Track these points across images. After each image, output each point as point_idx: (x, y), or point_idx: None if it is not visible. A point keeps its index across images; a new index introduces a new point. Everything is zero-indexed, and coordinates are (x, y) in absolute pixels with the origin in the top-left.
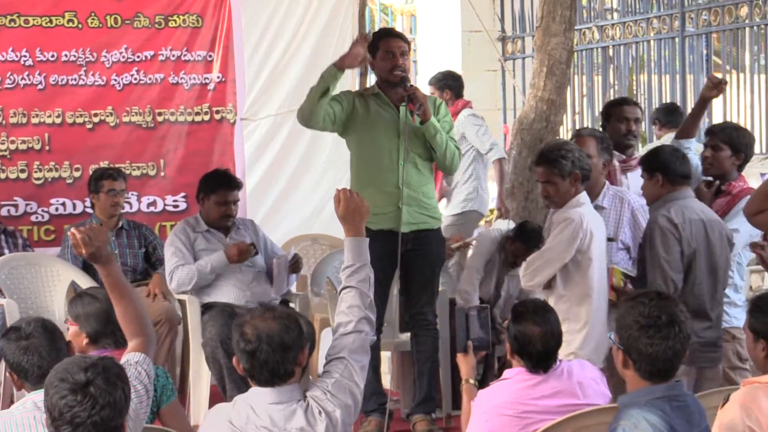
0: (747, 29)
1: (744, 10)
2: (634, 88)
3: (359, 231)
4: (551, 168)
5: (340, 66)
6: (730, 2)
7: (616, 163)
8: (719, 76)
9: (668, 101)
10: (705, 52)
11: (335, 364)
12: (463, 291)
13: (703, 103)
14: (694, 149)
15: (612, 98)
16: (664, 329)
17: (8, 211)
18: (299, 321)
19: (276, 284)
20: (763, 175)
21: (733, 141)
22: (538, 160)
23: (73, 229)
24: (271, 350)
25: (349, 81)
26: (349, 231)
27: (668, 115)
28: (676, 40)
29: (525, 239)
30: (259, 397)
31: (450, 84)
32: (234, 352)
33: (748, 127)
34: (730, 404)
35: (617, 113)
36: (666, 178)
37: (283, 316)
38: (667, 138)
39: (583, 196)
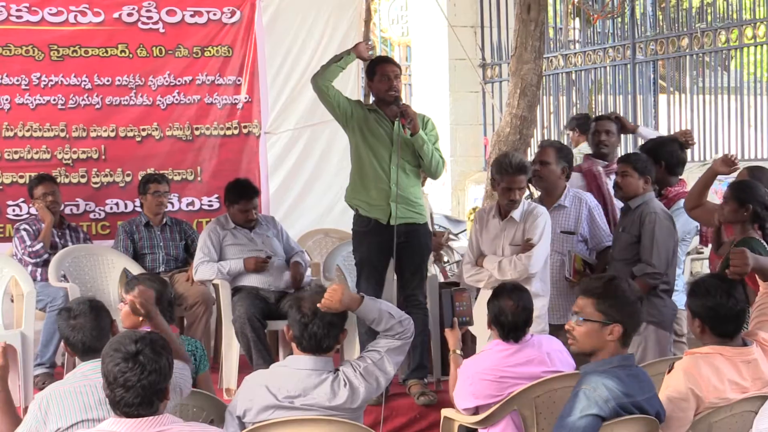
0: (687, 57)
1: (685, 41)
2: (593, 107)
3: (358, 301)
4: (526, 176)
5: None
6: (673, 35)
7: (599, 168)
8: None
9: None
10: (652, 76)
11: (372, 354)
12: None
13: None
14: None
15: (574, 115)
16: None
17: (71, 210)
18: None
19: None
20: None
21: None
22: (517, 170)
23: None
24: (321, 324)
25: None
26: (351, 307)
27: (584, 124)
28: (628, 66)
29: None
30: (298, 363)
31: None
32: (259, 331)
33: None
34: (675, 371)
35: (595, 127)
36: (650, 179)
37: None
38: (585, 144)
39: None
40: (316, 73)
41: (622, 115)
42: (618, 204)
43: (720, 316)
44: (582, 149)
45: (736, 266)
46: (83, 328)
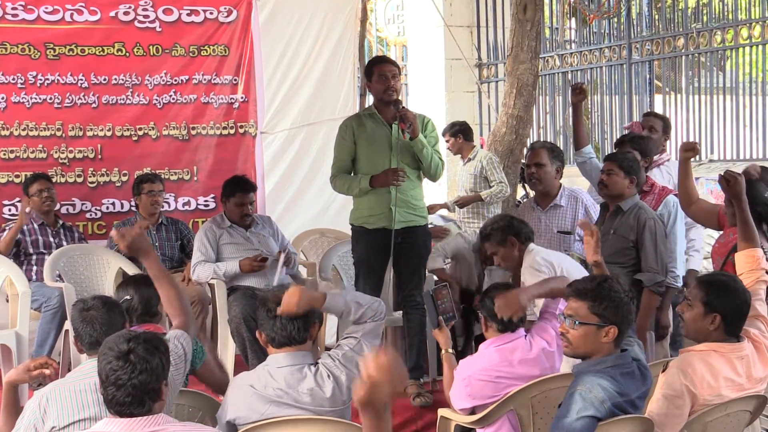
0: (683, 57)
1: (681, 41)
2: (589, 107)
3: (321, 300)
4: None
5: (372, 185)
6: (668, 35)
7: None
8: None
9: (617, 119)
10: (648, 76)
11: (349, 341)
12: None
13: (576, 108)
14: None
15: (569, 116)
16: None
17: (67, 209)
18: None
19: (271, 276)
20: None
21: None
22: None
23: (113, 231)
24: (288, 319)
25: (350, 104)
26: (314, 306)
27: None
28: (624, 66)
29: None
30: (276, 361)
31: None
32: (254, 327)
33: (682, 137)
34: (670, 368)
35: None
36: (636, 180)
37: (301, 289)
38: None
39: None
40: (338, 189)
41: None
42: (588, 202)
43: (742, 315)
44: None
45: None
46: (94, 321)
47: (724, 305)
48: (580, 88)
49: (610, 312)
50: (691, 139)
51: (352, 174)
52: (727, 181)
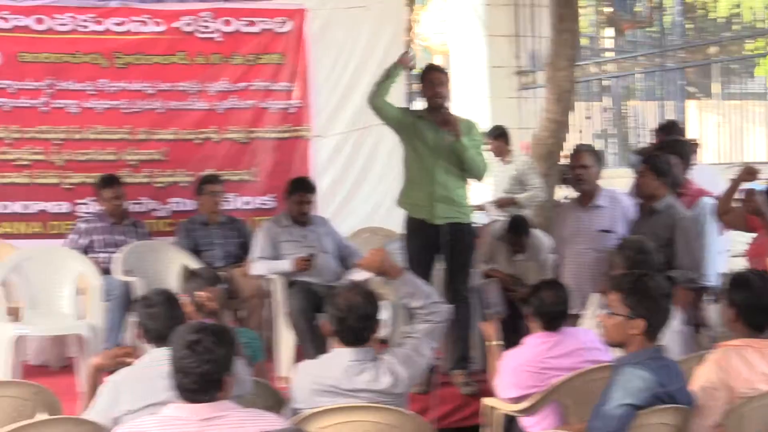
0: (715, 65)
1: (712, 49)
2: (625, 113)
3: (398, 271)
4: None
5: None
6: (701, 43)
7: None
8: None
9: (651, 124)
10: (681, 83)
11: (410, 340)
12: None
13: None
14: None
15: (608, 121)
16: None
17: (135, 208)
18: (377, 298)
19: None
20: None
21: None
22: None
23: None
24: (356, 318)
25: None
26: (391, 276)
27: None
28: (658, 73)
29: (511, 229)
30: (341, 355)
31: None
32: (311, 322)
33: (714, 142)
34: (706, 362)
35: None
36: (668, 182)
37: (366, 293)
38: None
39: None
40: (371, 93)
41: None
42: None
43: (757, 308)
44: None
45: None
46: (158, 317)
47: (741, 300)
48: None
49: (640, 306)
50: (722, 143)
51: (404, 181)
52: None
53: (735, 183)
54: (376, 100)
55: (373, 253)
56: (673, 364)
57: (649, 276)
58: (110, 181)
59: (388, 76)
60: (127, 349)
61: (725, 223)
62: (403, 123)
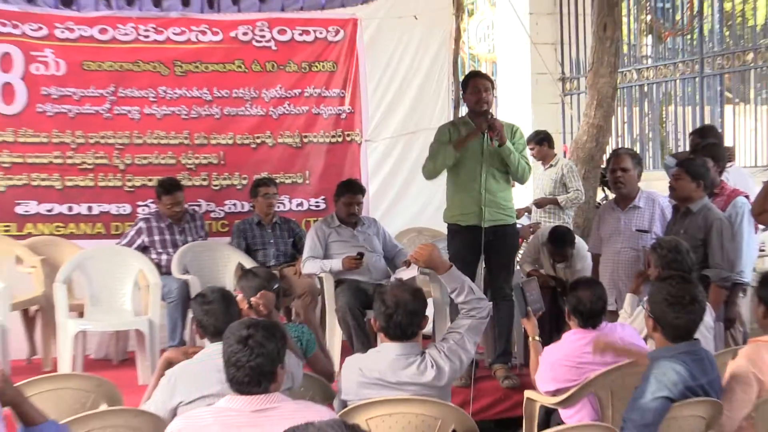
0: (752, 71)
1: (750, 56)
2: (664, 117)
3: (446, 267)
4: None
5: (456, 146)
6: (738, 50)
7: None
8: None
9: (690, 128)
10: (719, 88)
11: (453, 335)
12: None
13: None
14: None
15: (647, 125)
16: (688, 306)
17: (193, 209)
18: (423, 295)
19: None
20: None
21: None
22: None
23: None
24: (404, 314)
25: (444, 114)
26: (439, 271)
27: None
28: (697, 79)
29: (553, 241)
30: (389, 349)
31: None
32: (359, 318)
33: (751, 145)
34: (739, 357)
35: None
36: (705, 184)
37: (413, 290)
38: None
39: None
40: (427, 169)
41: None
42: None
43: None
44: None
45: None
46: (215, 314)
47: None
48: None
49: (655, 308)
50: (759, 146)
51: (447, 196)
52: None
53: None
54: (435, 175)
55: (423, 247)
56: (708, 356)
57: (672, 281)
58: (170, 188)
59: (447, 158)
60: (195, 348)
61: (761, 222)
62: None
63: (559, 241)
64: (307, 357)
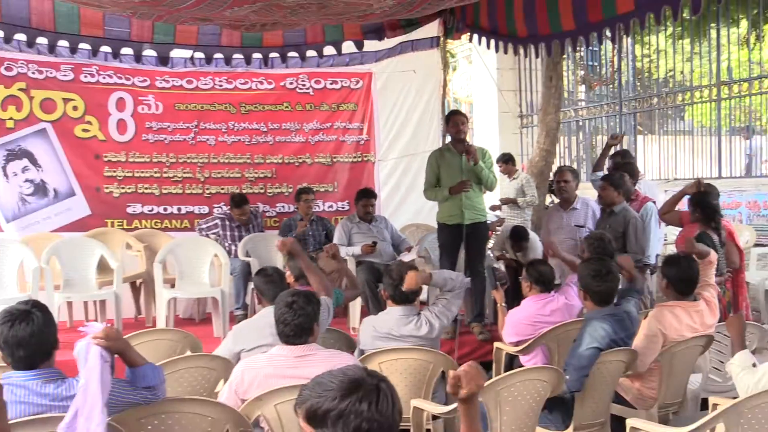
0: (656, 111)
1: (655, 100)
2: (594, 143)
3: (428, 279)
4: None
5: (450, 192)
6: (646, 95)
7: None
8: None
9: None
10: (633, 123)
11: (441, 301)
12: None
13: (607, 149)
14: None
15: (581, 150)
16: (605, 276)
17: (255, 209)
18: (418, 271)
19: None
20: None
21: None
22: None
23: (276, 241)
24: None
25: (435, 141)
26: (427, 283)
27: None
28: (617, 117)
29: (512, 237)
30: (394, 311)
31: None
32: (373, 289)
33: (656, 164)
34: (648, 317)
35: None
36: (622, 192)
37: (412, 268)
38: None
39: None
40: (428, 197)
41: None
42: (594, 207)
43: (682, 279)
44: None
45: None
46: (273, 283)
47: (672, 274)
48: (615, 136)
49: (583, 282)
50: (662, 165)
51: (437, 187)
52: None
53: (681, 193)
54: (431, 201)
55: (411, 276)
56: (629, 317)
57: (593, 261)
58: (239, 203)
59: (441, 197)
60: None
61: (664, 220)
62: (439, 173)
63: (516, 237)
64: (339, 302)
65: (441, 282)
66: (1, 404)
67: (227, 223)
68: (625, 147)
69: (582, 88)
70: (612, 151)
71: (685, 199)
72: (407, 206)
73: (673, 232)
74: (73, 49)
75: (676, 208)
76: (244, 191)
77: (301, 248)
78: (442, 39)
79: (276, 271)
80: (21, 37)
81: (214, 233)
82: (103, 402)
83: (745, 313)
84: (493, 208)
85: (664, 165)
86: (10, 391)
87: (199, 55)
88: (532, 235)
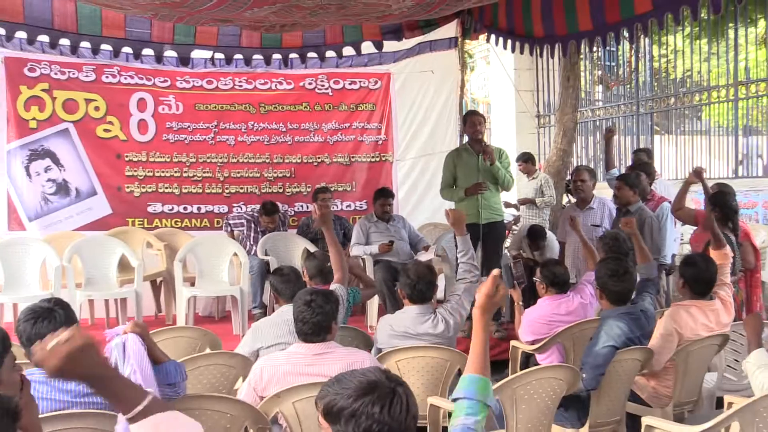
0: (673, 111)
1: (672, 100)
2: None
3: (463, 231)
4: None
5: (465, 193)
6: (664, 95)
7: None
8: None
9: (629, 153)
10: (650, 123)
11: (453, 297)
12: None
13: (607, 144)
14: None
15: (599, 150)
16: (622, 276)
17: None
18: (435, 271)
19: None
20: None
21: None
22: None
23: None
24: (424, 283)
25: (453, 141)
26: (460, 232)
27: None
28: (634, 117)
29: (529, 236)
30: (411, 310)
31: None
32: (391, 288)
33: (672, 164)
34: (665, 316)
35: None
36: (638, 191)
37: (429, 267)
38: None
39: None
40: (444, 197)
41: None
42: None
43: (699, 280)
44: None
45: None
46: (289, 282)
47: (689, 273)
48: (610, 129)
49: (600, 282)
50: (678, 164)
51: (454, 187)
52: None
53: (686, 185)
54: (449, 200)
55: (457, 211)
56: (646, 315)
57: (609, 260)
58: (270, 212)
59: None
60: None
61: (678, 218)
62: (456, 173)
63: (533, 236)
64: (356, 301)
65: (466, 248)
66: (31, 400)
67: (252, 225)
68: (642, 146)
69: (599, 88)
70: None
71: (703, 199)
72: (425, 206)
73: (690, 231)
74: (95, 50)
75: (694, 207)
76: (263, 191)
77: (332, 221)
78: (460, 39)
79: (292, 270)
80: (44, 38)
81: (239, 230)
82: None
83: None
84: (507, 205)
85: (680, 165)
86: (33, 388)
87: (220, 55)
88: (550, 235)
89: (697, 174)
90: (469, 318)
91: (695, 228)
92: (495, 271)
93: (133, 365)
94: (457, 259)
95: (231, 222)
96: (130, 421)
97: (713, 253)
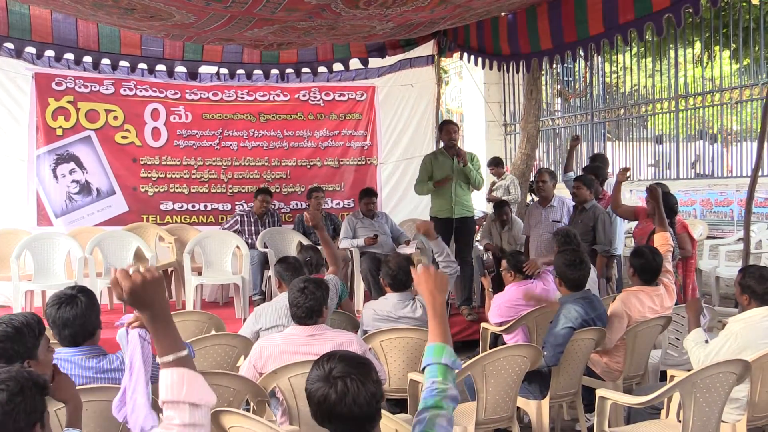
0: (623, 120)
1: (622, 111)
2: (568, 149)
3: (434, 236)
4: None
5: (435, 185)
6: (615, 107)
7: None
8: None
9: (585, 157)
10: (603, 131)
11: None
12: (478, 248)
13: (571, 150)
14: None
15: (558, 154)
16: (578, 265)
17: (272, 208)
18: (414, 263)
19: (386, 247)
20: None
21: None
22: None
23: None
24: (402, 274)
25: (430, 146)
26: (431, 238)
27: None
28: (589, 125)
29: (495, 208)
30: (392, 297)
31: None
32: (375, 277)
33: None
34: (616, 301)
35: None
36: (593, 191)
37: (408, 259)
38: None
39: None
40: (418, 192)
41: (586, 155)
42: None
43: (646, 269)
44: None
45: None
46: (293, 270)
47: (638, 263)
48: (576, 138)
49: (558, 270)
50: (627, 169)
51: (432, 199)
52: (651, 191)
53: (618, 184)
54: (420, 195)
55: (425, 222)
56: (597, 299)
57: (566, 252)
58: (263, 191)
59: (429, 189)
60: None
61: (619, 215)
62: (432, 173)
63: (498, 207)
64: (341, 300)
65: (441, 249)
66: (65, 377)
67: (245, 218)
68: (596, 151)
69: (558, 100)
70: (575, 151)
71: (643, 196)
72: (405, 203)
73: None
74: (114, 66)
75: (632, 204)
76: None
77: (323, 223)
78: (436, 57)
79: (296, 260)
80: (69, 56)
81: (234, 230)
82: (147, 377)
83: (692, 294)
84: (492, 199)
85: (631, 167)
86: (61, 366)
87: (224, 70)
88: (514, 216)
89: (623, 172)
90: (447, 304)
91: (637, 222)
92: (421, 266)
93: (129, 357)
94: (434, 259)
95: (226, 226)
96: (162, 365)
97: (657, 236)
